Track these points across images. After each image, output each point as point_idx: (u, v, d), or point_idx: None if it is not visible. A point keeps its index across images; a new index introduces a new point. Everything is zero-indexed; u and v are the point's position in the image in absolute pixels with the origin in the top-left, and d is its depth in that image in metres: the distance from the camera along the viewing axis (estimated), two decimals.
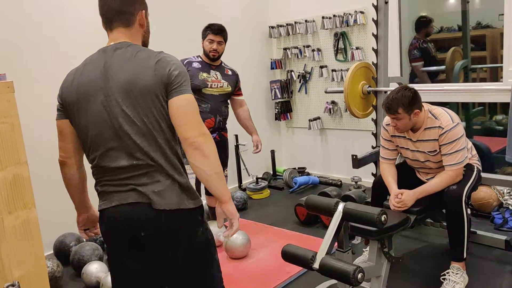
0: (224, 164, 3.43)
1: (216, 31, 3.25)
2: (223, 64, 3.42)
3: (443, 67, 4.58)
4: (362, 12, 4.24)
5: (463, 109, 4.58)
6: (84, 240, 3.40)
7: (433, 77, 4.53)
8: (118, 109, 1.47)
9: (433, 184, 2.65)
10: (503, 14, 3.45)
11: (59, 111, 1.60)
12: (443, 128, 2.59)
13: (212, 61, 3.31)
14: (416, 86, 2.72)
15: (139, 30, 1.61)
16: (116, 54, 1.51)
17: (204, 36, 3.29)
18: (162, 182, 1.50)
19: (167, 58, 1.53)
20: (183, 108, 1.48)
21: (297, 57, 4.91)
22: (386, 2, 3.48)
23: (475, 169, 2.72)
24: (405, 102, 2.53)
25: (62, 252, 3.26)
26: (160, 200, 1.49)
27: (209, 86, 3.25)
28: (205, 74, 3.26)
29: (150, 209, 1.50)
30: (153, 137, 1.49)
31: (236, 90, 3.47)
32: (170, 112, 1.48)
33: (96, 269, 2.91)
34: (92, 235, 1.88)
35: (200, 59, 3.31)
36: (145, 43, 1.66)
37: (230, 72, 3.42)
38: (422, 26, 4.51)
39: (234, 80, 3.43)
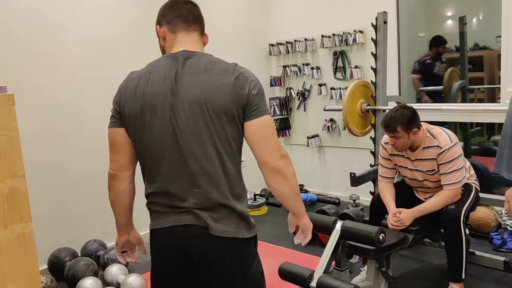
0: None
1: None
2: None
3: (441, 87, 4.62)
4: (361, 32, 4.29)
5: (461, 129, 4.60)
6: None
7: (435, 96, 4.57)
8: (188, 128, 1.37)
9: (431, 204, 2.65)
10: (500, 36, 3.50)
11: (115, 118, 1.47)
12: (441, 148, 2.60)
13: None
14: (414, 106, 2.74)
15: (202, 44, 1.56)
16: (188, 63, 1.42)
17: None
18: (222, 210, 1.41)
19: (245, 74, 1.44)
20: (263, 131, 1.41)
21: (296, 74, 4.95)
22: (385, 22, 3.52)
23: (473, 189, 2.72)
24: (404, 121, 2.54)
25: (56, 267, 3.22)
26: (217, 226, 1.40)
27: None
28: None
29: (206, 233, 1.39)
30: (221, 160, 1.40)
31: None
32: (248, 134, 1.41)
33: (91, 285, 2.87)
34: (130, 260, 1.71)
35: None
36: None
37: None
38: (433, 44, 4.59)
39: None
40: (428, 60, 4.56)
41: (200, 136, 1.37)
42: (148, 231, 1.52)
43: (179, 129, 1.37)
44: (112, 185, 1.53)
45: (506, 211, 3.50)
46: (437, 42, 4.61)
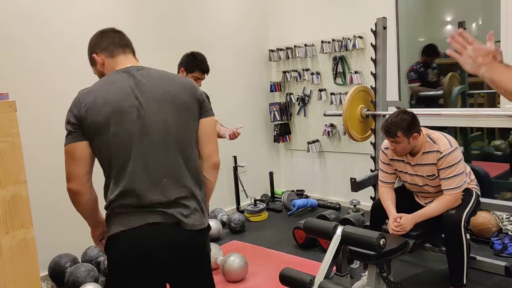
0: None
1: (206, 70, 3.10)
2: None
3: (440, 92, 4.63)
4: (360, 37, 4.30)
5: (461, 134, 4.60)
6: (80, 260, 3.36)
7: (431, 102, 4.57)
8: (155, 125, 1.52)
9: (432, 208, 2.65)
10: (499, 41, 3.51)
11: (74, 133, 1.55)
12: (441, 153, 2.60)
13: None
14: (414, 111, 2.75)
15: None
16: (141, 73, 1.59)
17: (189, 70, 3.06)
18: (192, 205, 1.57)
19: (192, 81, 1.70)
20: (211, 129, 1.65)
21: (296, 80, 4.96)
22: (385, 28, 3.54)
23: (474, 194, 2.72)
24: (404, 126, 2.55)
25: (57, 273, 3.22)
26: (188, 220, 1.55)
27: None
28: None
29: (178, 229, 1.53)
30: (187, 154, 1.58)
31: None
32: (201, 130, 1.63)
33: None
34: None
35: None
36: None
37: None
38: (425, 53, 4.59)
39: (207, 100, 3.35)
40: (421, 68, 4.58)
41: (167, 133, 1.53)
42: None
43: (147, 128, 1.51)
44: (77, 201, 1.61)
45: (508, 216, 3.50)
46: (430, 52, 4.62)
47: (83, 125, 1.53)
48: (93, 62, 1.73)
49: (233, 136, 3.36)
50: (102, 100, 1.51)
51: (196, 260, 1.62)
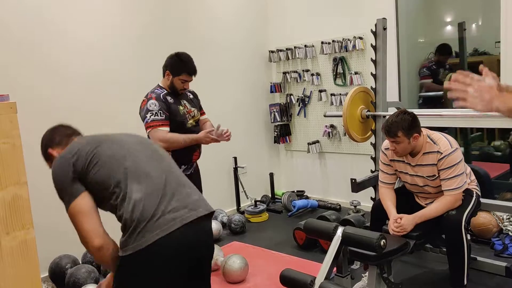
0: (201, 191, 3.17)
1: (193, 72, 2.94)
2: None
3: (441, 92, 4.63)
4: (361, 38, 4.31)
5: (461, 134, 4.61)
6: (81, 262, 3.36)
7: (438, 103, 4.58)
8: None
9: (432, 209, 2.65)
10: (499, 42, 3.52)
11: (74, 183, 1.60)
12: (441, 153, 2.60)
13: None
14: (414, 111, 2.74)
15: None
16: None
17: (175, 73, 2.91)
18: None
19: None
20: None
21: (297, 81, 4.96)
22: (385, 29, 3.54)
23: (474, 194, 2.72)
24: (405, 126, 2.55)
25: (57, 274, 3.22)
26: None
27: (188, 119, 2.99)
28: (181, 107, 2.96)
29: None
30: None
31: (201, 111, 3.20)
32: None
33: None
34: None
35: (165, 91, 2.94)
36: None
37: (191, 95, 3.13)
38: (439, 52, 4.64)
39: (198, 103, 3.19)
40: (433, 66, 4.59)
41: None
42: None
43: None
44: (105, 254, 1.59)
45: (509, 216, 3.50)
46: (443, 51, 4.64)
47: (78, 169, 1.64)
48: (48, 157, 1.90)
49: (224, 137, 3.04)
50: (86, 140, 1.76)
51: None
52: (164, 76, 2.98)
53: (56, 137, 1.86)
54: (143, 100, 2.90)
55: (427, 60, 4.79)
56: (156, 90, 2.93)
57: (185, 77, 2.92)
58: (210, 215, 1.73)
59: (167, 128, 2.80)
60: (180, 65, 2.91)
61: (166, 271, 1.58)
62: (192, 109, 3.04)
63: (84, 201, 1.59)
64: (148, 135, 2.82)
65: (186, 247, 1.60)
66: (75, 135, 1.90)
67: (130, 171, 1.62)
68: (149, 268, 1.55)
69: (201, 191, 3.03)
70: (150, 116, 2.78)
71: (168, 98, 2.91)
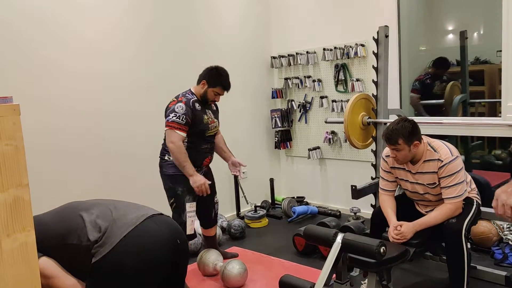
0: (215, 191, 3.42)
1: (227, 87, 3.17)
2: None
3: (441, 100, 4.64)
4: (362, 45, 4.32)
5: (461, 143, 4.61)
6: None
7: (436, 112, 4.60)
8: None
9: (432, 217, 2.64)
10: (501, 51, 3.52)
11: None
12: (442, 161, 2.60)
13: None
14: (415, 119, 2.75)
15: None
16: None
17: (211, 84, 3.11)
18: None
19: None
20: None
21: (298, 87, 4.97)
22: (387, 36, 3.55)
23: (475, 203, 2.71)
24: (405, 133, 2.56)
25: None
26: None
27: (210, 129, 3.18)
28: (205, 116, 3.14)
29: None
30: None
31: None
32: None
33: None
34: None
35: (196, 98, 3.13)
36: None
37: (214, 108, 3.33)
38: (435, 66, 4.66)
39: (218, 115, 3.37)
40: (428, 80, 4.62)
41: None
42: None
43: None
44: None
45: (509, 226, 3.49)
46: (440, 65, 4.67)
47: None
48: None
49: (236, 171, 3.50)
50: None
51: None
52: (198, 84, 3.17)
53: None
54: (173, 101, 3.07)
55: (424, 71, 4.81)
56: (187, 95, 3.10)
57: (219, 90, 3.14)
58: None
59: (184, 134, 2.99)
60: (218, 79, 3.13)
61: (147, 259, 1.77)
62: (215, 119, 3.25)
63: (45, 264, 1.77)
64: (164, 132, 3.04)
65: (155, 234, 1.81)
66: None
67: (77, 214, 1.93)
68: (127, 261, 1.73)
69: (215, 186, 3.39)
70: (172, 117, 2.96)
71: (196, 105, 3.09)
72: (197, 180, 3.01)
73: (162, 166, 3.15)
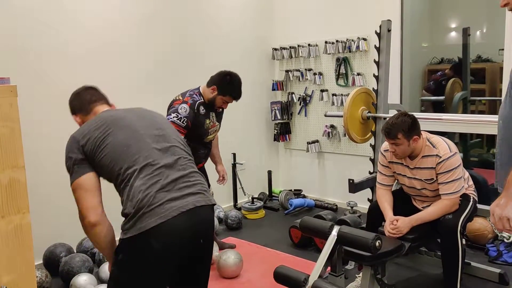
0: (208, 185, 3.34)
1: (238, 98, 3.09)
2: None
3: (442, 97, 4.64)
4: (364, 39, 4.30)
5: (461, 140, 4.61)
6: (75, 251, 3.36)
7: (440, 110, 4.62)
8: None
9: (429, 212, 2.65)
10: (503, 49, 3.52)
11: (82, 163, 1.62)
12: (440, 157, 2.60)
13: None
14: (415, 114, 2.74)
15: None
16: (120, 110, 1.86)
17: (222, 92, 3.01)
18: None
19: None
20: None
21: (299, 79, 4.96)
22: (389, 30, 3.53)
23: (471, 200, 2.72)
24: (405, 128, 2.55)
25: (51, 262, 3.22)
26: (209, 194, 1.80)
27: (209, 133, 3.11)
28: (207, 121, 3.07)
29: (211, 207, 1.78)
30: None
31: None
32: None
33: (85, 281, 2.87)
34: None
35: (202, 100, 3.04)
36: None
37: (219, 109, 3.22)
38: (452, 69, 4.77)
39: (221, 116, 3.28)
40: (444, 82, 4.65)
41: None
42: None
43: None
44: (97, 232, 1.62)
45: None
46: (458, 69, 4.71)
47: (86, 151, 1.65)
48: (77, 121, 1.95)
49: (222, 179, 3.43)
50: (96, 122, 1.73)
51: None
52: (208, 86, 3.05)
53: (77, 104, 1.89)
54: (178, 99, 2.97)
55: (441, 73, 4.85)
56: (194, 96, 3.01)
57: (229, 99, 3.05)
58: (209, 206, 1.75)
59: (181, 137, 2.90)
60: (230, 88, 3.02)
61: (164, 256, 1.61)
62: (217, 123, 3.16)
63: (87, 179, 1.61)
64: None
65: (182, 234, 1.62)
66: (98, 102, 1.88)
67: (135, 159, 1.63)
68: (147, 253, 1.58)
69: (208, 180, 3.23)
70: (174, 117, 2.88)
71: (201, 108, 3.01)
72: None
73: None
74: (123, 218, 1.60)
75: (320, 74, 4.74)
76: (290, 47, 4.95)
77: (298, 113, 5.07)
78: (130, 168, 1.61)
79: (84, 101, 1.87)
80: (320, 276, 2.12)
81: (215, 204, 1.81)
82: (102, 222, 1.61)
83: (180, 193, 1.63)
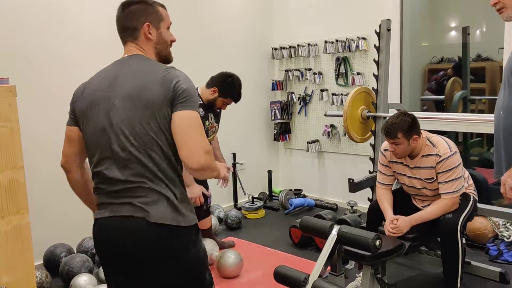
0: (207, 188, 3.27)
1: (239, 100, 3.08)
2: None
3: (442, 96, 4.63)
4: (364, 38, 4.30)
5: (461, 140, 4.60)
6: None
7: (441, 109, 4.63)
8: (118, 118, 1.46)
9: (429, 212, 2.65)
10: (502, 48, 3.51)
11: (70, 118, 1.61)
12: (440, 156, 2.60)
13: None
14: (414, 114, 2.74)
15: (148, 43, 1.60)
16: (127, 64, 1.55)
17: (223, 94, 3.01)
18: (156, 196, 1.46)
19: (176, 73, 1.51)
20: (184, 126, 1.44)
21: (298, 79, 4.96)
22: (389, 30, 3.53)
23: (471, 199, 2.72)
24: (405, 127, 2.55)
25: (52, 262, 3.22)
26: (154, 212, 1.45)
27: (209, 135, 3.07)
28: (207, 122, 3.05)
29: (144, 222, 1.45)
30: (149, 149, 1.46)
31: None
32: (172, 128, 1.45)
33: (85, 282, 2.87)
34: None
35: (201, 102, 3.02)
36: (161, 55, 1.65)
37: (218, 110, 3.21)
38: (454, 69, 4.75)
39: (219, 117, 3.26)
40: (445, 82, 4.65)
41: (128, 126, 1.46)
42: None
43: (112, 119, 1.47)
44: (67, 177, 1.65)
45: (504, 222, 3.50)
46: (459, 70, 4.71)
47: (74, 111, 1.58)
48: None
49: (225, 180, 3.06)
50: (87, 91, 1.56)
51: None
52: (208, 87, 3.03)
53: (117, 30, 1.67)
54: None
55: (442, 73, 4.85)
56: None
57: (230, 101, 3.04)
58: (138, 218, 1.48)
59: None
60: (231, 90, 3.01)
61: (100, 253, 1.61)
62: (215, 124, 3.13)
63: (68, 130, 1.61)
64: None
65: (105, 238, 1.54)
66: (123, 36, 1.63)
67: (102, 153, 1.52)
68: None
69: (206, 181, 3.23)
70: None
71: (200, 110, 2.96)
72: (195, 192, 2.91)
73: None
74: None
75: (320, 73, 4.74)
76: (289, 46, 4.95)
77: (298, 113, 5.06)
78: (95, 158, 1.63)
79: (118, 27, 1.67)
80: (320, 276, 2.12)
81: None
82: (70, 169, 1.62)
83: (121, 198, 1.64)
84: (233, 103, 3.13)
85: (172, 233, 1.48)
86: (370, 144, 3.68)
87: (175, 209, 1.49)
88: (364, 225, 3.07)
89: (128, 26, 1.59)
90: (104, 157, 1.50)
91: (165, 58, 1.66)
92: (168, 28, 1.66)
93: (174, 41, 1.68)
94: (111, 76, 1.53)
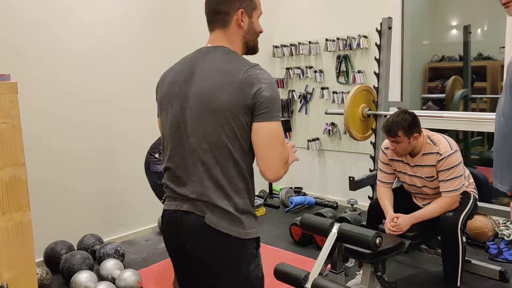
0: None
1: None
2: None
3: (443, 95, 4.63)
4: (365, 37, 4.29)
5: (462, 137, 4.60)
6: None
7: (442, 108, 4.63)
8: (190, 118, 1.40)
9: (429, 210, 2.65)
10: (504, 47, 3.51)
11: (158, 107, 1.56)
12: (441, 154, 2.60)
13: None
14: (415, 112, 2.74)
15: (238, 31, 1.49)
16: (207, 58, 1.45)
17: None
18: (218, 203, 1.40)
19: (259, 74, 1.38)
20: (266, 139, 1.36)
21: (299, 77, 4.95)
22: (390, 28, 3.53)
23: (472, 197, 2.72)
24: (405, 125, 2.55)
25: (52, 259, 3.22)
26: (212, 217, 1.40)
27: None
28: None
29: (203, 221, 1.40)
30: (218, 155, 1.39)
31: None
32: (252, 138, 1.37)
33: (86, 279, 2.87)
34: None
35: None
36: (248, 45, 1.56)
37: None
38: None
39: None
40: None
41: (199, 129, 1.38)
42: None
43: (184, 118, 1.41)
44: None
45: (505, 221, 3.50)
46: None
47: (158, 100, 1.55)
48: None
49: None
50: (166, 81, 1.50)
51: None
52: None
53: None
54: None
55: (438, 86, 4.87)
56: None
57: None
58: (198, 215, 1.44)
59: None
60: None
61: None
62: None
63: (159, 121, 1.57)
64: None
65: (170, 231, 1.53)
66: (209, 21, 1.53)
67: (175, 150, 1.47)
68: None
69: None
70: None
71: None
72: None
73: (149, 163, 2.88)
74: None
75: (321, 71, 4.74)
76: (290, 44, 4.94)
77: (299, 111, 5.06)
78: (165, 151, 1.56)
79: (207, 9, 1.55)
80: (320, 274, 2.12)
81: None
82: None
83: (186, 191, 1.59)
84: None
85: (227, 242, 1.41)
86: (371, 142, 3.68)
87: (232, 219, 1.41)
88: (365, 223, 3.08)
89: (220, 10, 1.46)
90: (175, 154, 1.45)
91: (253, 49, 1.58)
92: (258, 17, 1.56)
93: (262, 32, 1.58)
94: (188, 69, 1.44)
